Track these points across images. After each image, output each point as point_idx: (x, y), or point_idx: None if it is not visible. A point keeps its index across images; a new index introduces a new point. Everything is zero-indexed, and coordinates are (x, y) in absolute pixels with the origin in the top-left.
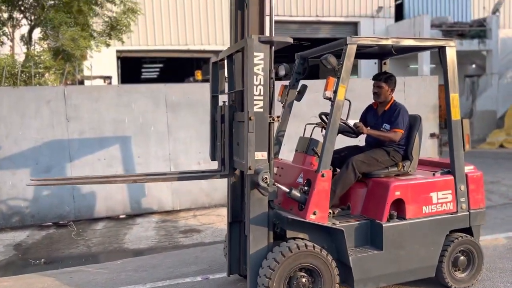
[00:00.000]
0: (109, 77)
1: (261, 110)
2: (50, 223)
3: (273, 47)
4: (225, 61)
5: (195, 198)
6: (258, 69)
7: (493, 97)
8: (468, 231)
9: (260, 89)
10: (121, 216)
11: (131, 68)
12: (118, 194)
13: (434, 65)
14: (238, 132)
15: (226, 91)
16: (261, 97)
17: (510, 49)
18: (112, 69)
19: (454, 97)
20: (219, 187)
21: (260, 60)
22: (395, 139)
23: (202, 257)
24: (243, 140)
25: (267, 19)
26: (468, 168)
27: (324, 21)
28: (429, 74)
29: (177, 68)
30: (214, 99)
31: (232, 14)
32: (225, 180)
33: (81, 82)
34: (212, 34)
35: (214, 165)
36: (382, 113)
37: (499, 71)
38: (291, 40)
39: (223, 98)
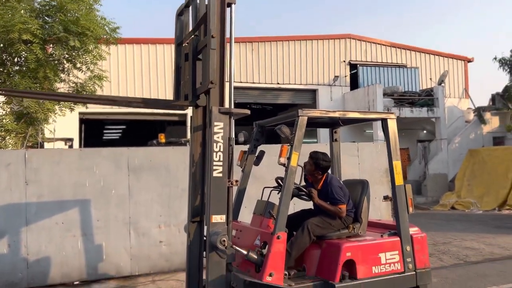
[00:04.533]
0: (71, 139)
1: (220, 175)
2: None
3: (232, 117)
4: (190, 6)
5: (154, 263)
6: (218, 137)
7: (443, 161)
8: None
9: (219, 155)
10: (76, 283)
11: (93, 129)
12: (75, 260)
13: None
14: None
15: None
16: (221, 163)
17: (455, 116)
18: (74, 131)
19: (397, 164)
20: (179, 251)
21: (219, 129)
22: (341, 215)
23: None
24: (206, 69)
25: (226, 85)
26: (413, 230)
27: (285, 88)
28: (383, 139)
29: (140, 129)
30: (179, 47)
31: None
32: (185, 244)
33: (42, 145)
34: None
35: (175, 233)
36: (318, 190)
37: (447, 137)
38: (248, 112)
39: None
